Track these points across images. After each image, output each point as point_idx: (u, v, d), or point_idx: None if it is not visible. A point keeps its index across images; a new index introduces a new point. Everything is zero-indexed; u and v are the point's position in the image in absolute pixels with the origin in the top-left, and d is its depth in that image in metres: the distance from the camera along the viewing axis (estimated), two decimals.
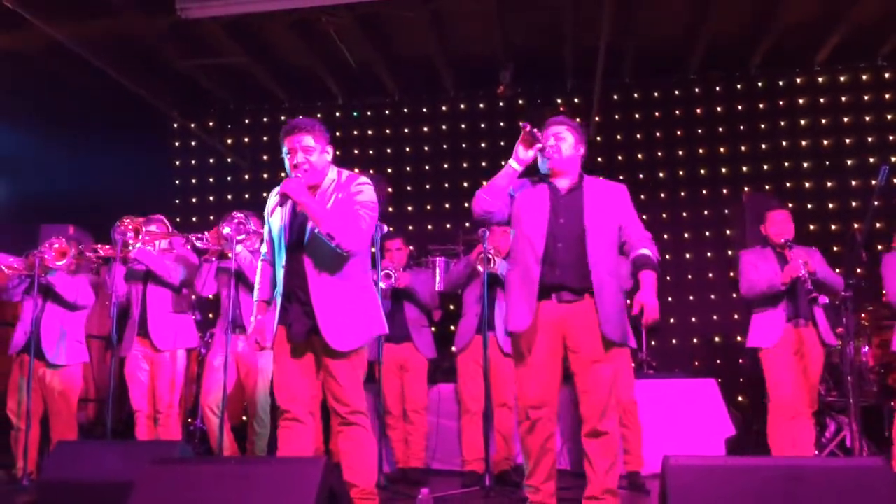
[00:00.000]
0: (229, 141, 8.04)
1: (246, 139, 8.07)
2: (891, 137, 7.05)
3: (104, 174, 7.03)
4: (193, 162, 8.12)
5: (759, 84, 7.32)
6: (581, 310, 3.19)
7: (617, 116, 7.51)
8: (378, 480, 3.61)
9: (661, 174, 7.38)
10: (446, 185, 7.64)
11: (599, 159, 7.38)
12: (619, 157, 7.45)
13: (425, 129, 7.78)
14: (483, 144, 7.66)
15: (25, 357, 4.91)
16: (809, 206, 7.08)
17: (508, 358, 4.61)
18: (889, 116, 7.08)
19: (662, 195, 7.33)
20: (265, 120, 8.04)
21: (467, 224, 6.72)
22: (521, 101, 7.48)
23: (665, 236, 7.22)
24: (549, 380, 3.22)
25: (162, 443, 4.29)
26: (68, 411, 5.05)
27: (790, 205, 6.95)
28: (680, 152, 7.39)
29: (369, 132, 7.86)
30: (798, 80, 7.27)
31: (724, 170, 7.29)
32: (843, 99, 7.19)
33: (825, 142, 7.17)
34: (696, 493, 2.29)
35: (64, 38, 5.83)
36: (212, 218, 6.89)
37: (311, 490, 2.36)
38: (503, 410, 4.83)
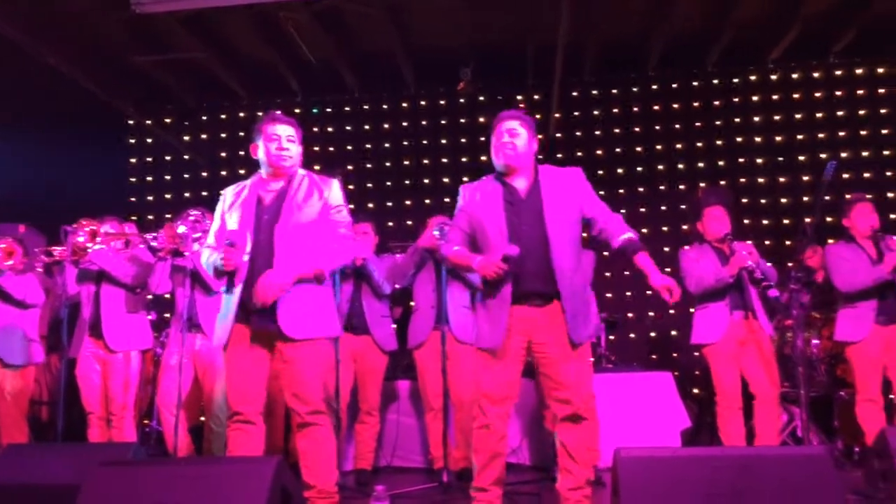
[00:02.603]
0: (187, 138, 7.93)
1: (204, 136, 7.97)
2: (841, 133, 7.22)
3: (58, 172, 6.90)
4: (150, 159, 8.00)
5: (715, 82, 7.44)
6: (549, 313, 3.19)
7: (577, 113, 7.57)
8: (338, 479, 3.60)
9: (619, 170, 7.46)
10: (407, 182, 7.64)
11: (559, 155, 7.44)
12: (579, 154, 7.52)
13: (386, 125, 7.76)
14: (444, 141, 7.67)
15: None
16: (763, 201, 7.22)
17: (465, 345, 4.63)
18: (840, 113, 7.25)
19: (621, 191, 7.42)
20: (223, 117, 7.95)
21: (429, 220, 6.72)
22: (481, 98, 7.50)
23: None
24: (511, 378, 3.23)
25: (115, 445, 4.23)
26: (19, 413, 4.95)
27: (744, 200, 7.18)
28: (638, 149, 7.47)
29: (329, 129, 7.82)
30: (752, 78, 7.40)
31: (680, 166, 7.39)
32: (796, 96, 7.34)
33: (778, 138, 7.31)
34: (647, 485, 2.33)
35: (15, 32, 5.70)
36: (168, 216, 6.81)
37: (263, 489, 2.35)
38: (465, 406, 4.83)
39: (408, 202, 7.57)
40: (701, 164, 7.38)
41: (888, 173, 7.10)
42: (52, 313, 5.55)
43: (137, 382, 4.81)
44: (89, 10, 5.78)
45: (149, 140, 8.01)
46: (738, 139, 7.34)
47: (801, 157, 7.22)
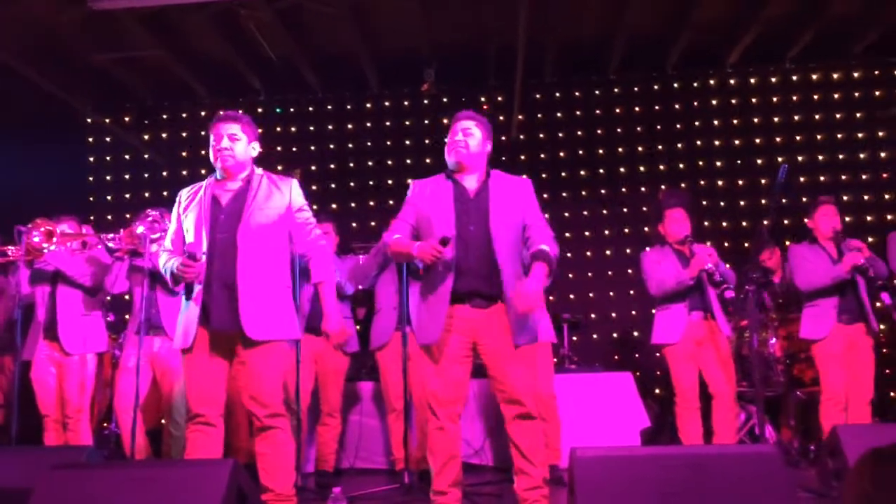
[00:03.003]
0: (146, 137, 7.81)
1: (164, 135, 7.86)
2: (798, 138, 7.36)
3: (15, 171, 6.75)
4: (108, 158, 7.86)
5: (675, 85, 7.53)
6: (492, 315, 3.21)
7: (539, 115, 7.61)
8: (296, 481, 3.58)
9: (582, 172, 7.52)
10: (371, 182, 7.62)
11: (522, 157, 7.49)
12: (542, 156, 7.56)
13: (349, 126, 7.73)
14: (408, 142, 7.66)
15: None
16: (722, 203, 7.34)
17: None
18: (796, 117, 7.39)
19: (583, 193, 7.48)
20: (184, 115, 7.84)
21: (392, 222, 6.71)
22: (445, 100, 7.51)
23: (586, 233, 7.38)
24: (458, 379, 3.23)
25: (69, 448, 4.15)
26: None
27: (703, 202, 7.28)
28: (600, 151, 7.54)
29: (292, 129, 7.76)
30: (711, 82, 7.51)
31: (642, 168, 7.47)
32: (754, 100, 7.47)
33: (737, 141, 7.43)
34: (602, 484, 2.36)
35: None
36: (128, 216, 6.67)
37: (219, 492, 2.33)
38: (425, 407, 4.82)
39: (371, 203, 7.55)
40: (662, 167, 7.47)
41: (843, 177, 7.26)
42: (5, 314, 5.43)
43: (93, 385, 4.73)
44: (45, 6, 5.66)
45: (108, 139, 7.87)
46: (698, 142, 7.45)
47: (759, 161, 7.35)
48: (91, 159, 7.87)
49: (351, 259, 5.27)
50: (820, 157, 7.31)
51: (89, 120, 7.75)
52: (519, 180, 3.44)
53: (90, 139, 7.89)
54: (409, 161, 7.58)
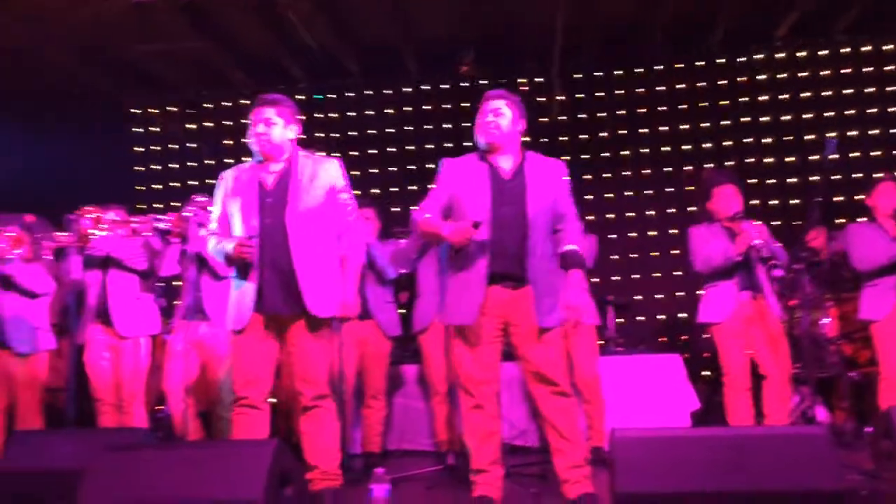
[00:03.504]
0: (191, 126, 7.95)
1: (208, 124, 7.98)
2: (847, 112, 7.14)
3: (64, 162, 6.94)
4: (154, 148, 8.02)
5: (720, 61, 7.37)
6: (522, 297, 3.19)
7: (580, 95, 7.52)
8: (342, 461, 3.62)
9: (624, 152, 7.42)
10: (411, 167, 7.63)
11: (562, 138, 7.41)
12: (583, 137, 7.48)
13: (389, 111, 7.75)
14: (447, 125, 7.65)
15: None
16: (770, 181, 7.17)
17: None
18: (846, 91, 7.17)
19: (626, 173, 7.38)
20: (226, 104, 7.95)
21: None
22: (484, 82, 7.46)
23: (628, 214, 7.29)
24: (492, 360, 3.22)
25: (122, 430, 4.26)
26: (33, 401, 4.98)
27: (751, 181, 7.12)
28: (642, 130, 7.43)
29: (332, 115, 7.81)
30: (757, 57, 7.32)
31: (686, 147, 7.34)
32: (802, 75, 7.27)
33: (785, 118, 7.24)
34: (642, 464, 2.33)
35: (18, 26, 5.72)
36: (174, 204, 6.82)
37: (262, 471, 2.37)
38: None
39: (412, 187, 7.57)
40: (707, 145, 7.33)
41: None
42: (60, 300, 5.59)
43: (148, 368, 4.83)
44: (89, 1, 5.77)
45: (153, 129, 8.03)
46: (744, 119, 7.28)
47: (809, 137, 7.15)
48: (138, 149, 8.03)
49: (392, 243, 5.29)
50: (872, 132, 7.09)
51: (135, 111, 7.90)
52: (554, 163, 3.38)
53: (137, 129, 8.06)
54: (448, 145, 7.57)
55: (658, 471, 2.32)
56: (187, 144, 7.91)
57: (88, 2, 5.82)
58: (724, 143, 7.31)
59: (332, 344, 3.39)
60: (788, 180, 7.16)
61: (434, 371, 4.93)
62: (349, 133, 7.77)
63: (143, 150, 8.04)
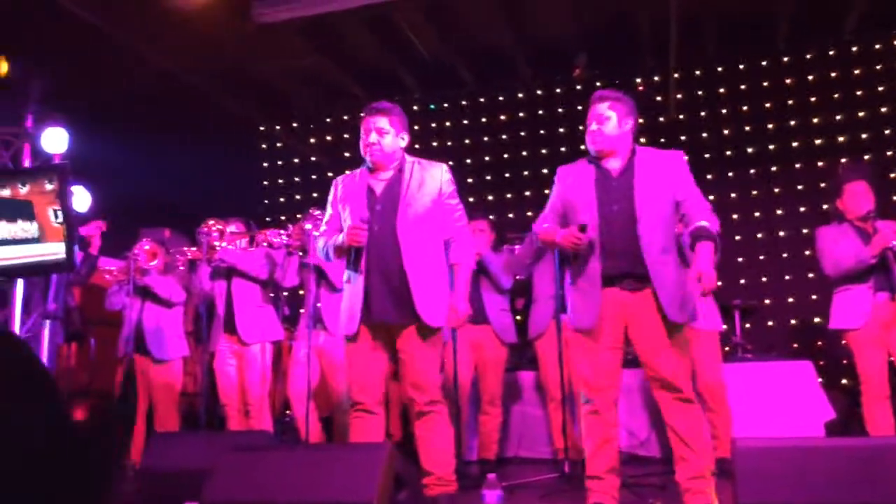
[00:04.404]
0: (312, 140, 8.26)
1: (328, 137, 8.27)
2: None
3: (197, 178, 7.34)
4: (279, 163, 8.39)
5: (854, 49, 6.91)
6: (642, 299, 3.10)
7: (700, 92, 7.25)
8: (456, 467, 3.63)
9: (749, 150, 7.08)
10: (525, 173, 7.60)
11: (682, 137, 7.17)
12: (704, 135, 7.21)
13: (502, 117, 7.76)
14: (562, 130, 7.57)
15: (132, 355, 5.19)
16: None
17: None
18: None
19: (752, 171, 7.05)
20: (345, 118, 8.21)
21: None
22: (598, 84, 7.33)
23: (756, 214, 6.96)
24: (612, 366, 3.14)
25: (248, 433, 4.46)
26: (170, 404, 5.29)
27: (891, 175, 6.63)
28: (770, 126, 7.08)
29: (447, 124, 7.91)
30: None
31: (818, 141, 6.94)
32: None
33: None
34: (766, 475, 2.20)
35: (160, 56, 6.15)
36: (298, 216, 7.09)
37: (376, 474, 2.41)
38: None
39: (527, 193, 7.54)
40: (841, 139, 6.88)
41: None
42: (192, 310, 5.92)
43: (272, 374, 5.04)
44: (215, 24, 6.11)
45: (278, 144, 8.40)
46: (883, 109, 6.79)
47: None
48: (265, 164, 8.43)
49: (507, 250, 5.28)
50: None
51: (261, 127, 8.29)
52: (669, 154, 3.28)
53: (263, 146, 8.46)
54: (563, 149, 7.49)
55: (783, 483, 2.18)
56: (311, 159, 8.20)
57: (216, 25, 6.16)
58: (861, 136, 6.83)
59: (442, 350, 3.41)
60: None
61: (550, 377, 4.87)
62: (464, 141, 7.83)
63: (269, 164, 8.42)
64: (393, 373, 3.76)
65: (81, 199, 5.04)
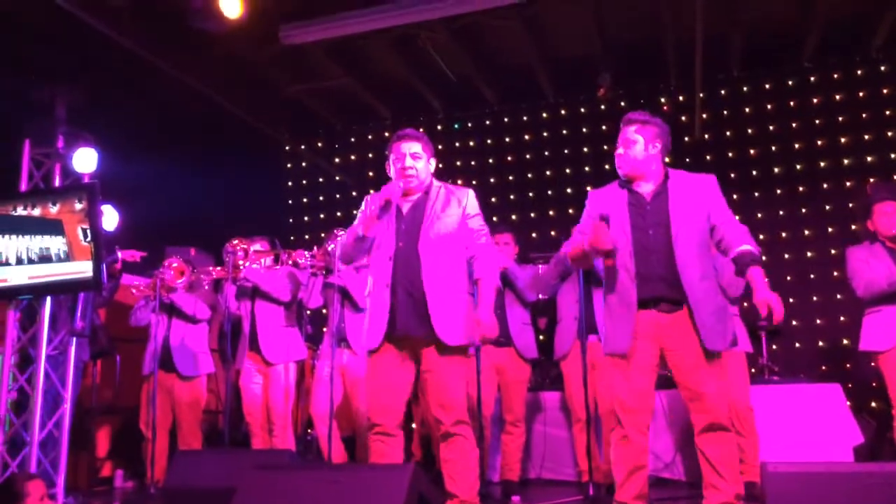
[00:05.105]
0: (337, 160, 8.32)
1: (353, 157, 8.32)
2: None
3: (224, 198, 7.42)
4: (304, 182, 8.45)
5: (882, 68, 6.84)
6: (678, 320, 3.08)
7: (726, 112, 7.21)
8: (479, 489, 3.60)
9: (776, 169, 7.02)
10: (549, 192, 7.58)
11: (708, 157, 7.13)
12: (730, 154, 7.16)
13: (526, 137, 7.76)
14: (585, 149, 7.55)
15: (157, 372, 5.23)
16: None
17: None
18: None
19: (779, 191, 6.97)
20: (370, 137, 8.26)
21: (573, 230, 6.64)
22: (622, 104, 7.33)
23: (783, 234, 6.88)
24: (645, 389, 3.11)
25: (272, 451, 4.47)
26: (194, 421, 5.33)
27: None
28: (796, 145, 7.01)
29: (471, 143, 7.92)
30: None
31: (846, 161, 6.85)
32: None
33: None
34: (796, 501, 2.16)
35: (189, 77, 6.25)
36: (323, 235, 7.13)
37: (400, 495, 2.40)
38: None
39: (551, 212, 7.52)
40: (870, 159, 6.80)
41: None
42: (218, 327, 5.97)
43: (295, 393, 5.05)
44: (243, 45, 6.20)
45: (303, 164, 8.47)
46: None
47: None
48: (289, 183, 8.50)
49: (531, 268, 5.27)
50: None
51: (287, 147, 8.37)
52: (702, 177, 3.27)
53: (288, 165, 8.53)
54: (587, 168, 7.47)
55: None
56: (336, 178, 8.26)
57: (244, 47, 6.25)
58: (891, 156, 6.75)
59: (467, 370, 3.40)
60: None
61: (575, 398, 4.83)
62: (488, 160, 7.84)
63: (294, 183, 8.48)
64: (413, 395, 3.73)
65: (110, 217, 5.11)
